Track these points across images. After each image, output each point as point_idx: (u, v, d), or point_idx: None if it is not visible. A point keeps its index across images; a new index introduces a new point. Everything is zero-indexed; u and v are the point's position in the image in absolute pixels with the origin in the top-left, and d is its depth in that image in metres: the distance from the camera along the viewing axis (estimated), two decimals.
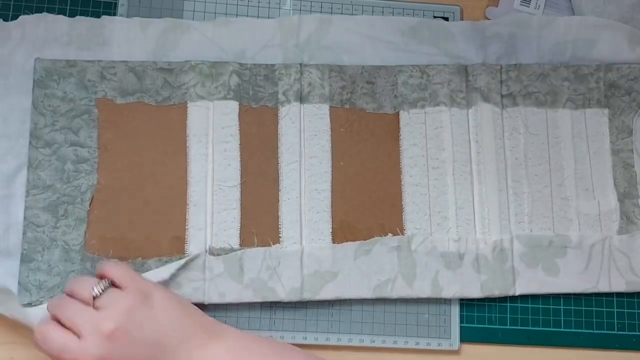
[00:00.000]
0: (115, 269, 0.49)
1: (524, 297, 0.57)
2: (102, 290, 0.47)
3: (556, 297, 0.58)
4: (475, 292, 0.56)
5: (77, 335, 0.45)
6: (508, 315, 0.57)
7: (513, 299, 0.57)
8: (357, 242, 0.56)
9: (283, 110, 0.58)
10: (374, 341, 0.56)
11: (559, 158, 0.59)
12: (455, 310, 0.57)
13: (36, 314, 0.50)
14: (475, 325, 0.57)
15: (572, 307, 0.58)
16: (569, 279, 0.57)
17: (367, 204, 0.57)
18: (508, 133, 0.59)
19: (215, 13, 0.60)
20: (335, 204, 0.57)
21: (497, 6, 0.62)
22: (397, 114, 0.59)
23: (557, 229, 0.58)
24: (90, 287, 0.47)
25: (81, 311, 0.46)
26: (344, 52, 0.59)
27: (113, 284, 0.48)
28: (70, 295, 0.48)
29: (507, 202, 0.58)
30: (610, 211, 0.59)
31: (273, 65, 0.58)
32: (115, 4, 0.59)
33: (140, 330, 0.46)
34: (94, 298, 0.46)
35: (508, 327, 0.57)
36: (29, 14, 0.57)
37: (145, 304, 0.47)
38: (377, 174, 0.58)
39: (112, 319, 0.45)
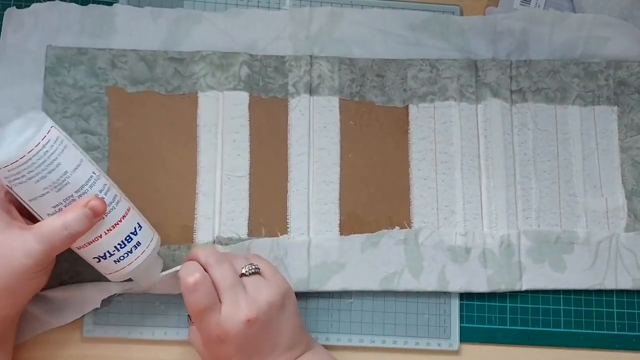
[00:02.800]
0: (262, 261, 0.50)
1: (524, 297, 0.57)
2: (250, 272, 0.48)
3: (556, 297, 0.58)
4: (481, 287, 0.56)
5: (219, 297, 0.47)
6: (508, 315, 0.57)
7: (513, 299, 0.57)
8: (365, 235, 0.56)
9: (293, 102, 0.58)
10: (374, 341, 0.56)
11: (567, 154, 0.59)
12: (455, 311, 0.57)
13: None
14: (475, 325, 0.57)
15: (572, 307, 0.58)
16: (576, 275, 0.57)
17: (375, 196, 0.57)
18: (517, 129, 0.59)
19: (215, 10, 0.60)
20: (343, 196, 0.57)
21: (497, 6, 0.62)
22: (407, 107, 0.59)
23: (565, 225, 0.58)
24: (241, 265, 0.49)
25: (234, 282, 0.47)
26: (354, 45, 0.60)
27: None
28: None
29: (515, 197, 0.58)
30: (617, 208, 0.59)
31: (283, 56, 0.58)
32: None
33: (270, 328, 0.48)
34: (241, 275, 0.48)
35: (508, 327, 0.57)
36: (41, 2, 0.58)
37: (281, 305, 0.48)
38: (385, 167, 0.58)
39: (255, 309, 0.47)
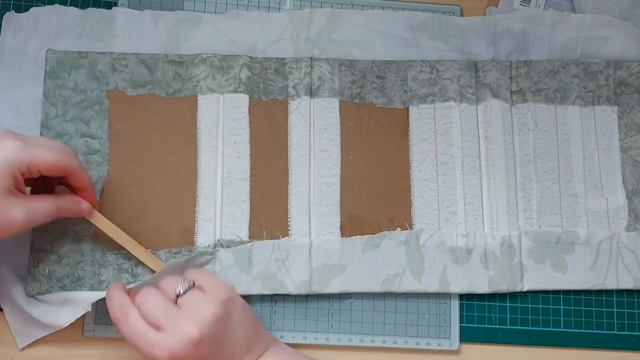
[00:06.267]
0: (198, 273, 0.50)
1: (524, 297, 0.57)
2: (186, 290, 0.48)
3: (556, 297, 0.58)
4: (483, 288, 0.56)
5: (157, 327, 0.46)
6: (508, 315, 0.57)
7: (513, 298, 0.57)
8: (366, 236, 0.56)
9: (293, 104, 0.58)
10: (374, 341, 0.56)
11: (568, 155, 0.59)
12: (455, 310, 0.57)
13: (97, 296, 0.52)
14: (475, 325, 0.57)
15: (572, 307, 0.58)
16: (577, 275, 0.57)
17: (376, 198, 0.57)
18: (517, 129, 0.59)
19: (215, 12, 0.60)
20: (344, 198, 0.57)
21: (497, 6, 0.62)
22: (407, 109, 0.59)
23: (566, 226, 0.58)
24: (175, 284, 0.48)
25: (165, 306, 0.47)
26: (354, 47, 0.60)
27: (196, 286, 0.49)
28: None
29: (516, 198, 0.58)
30: (618, 208, 0.59)
31: (283, 58, 0.58)
32: (116, 1, 0.59)
33: (219, 340, 0.47)
34: (177, 296, 0.48)
35: (508, 327, 0.57)
36: (40, 6, 0.58)
37: (226, 314, 0.48)
38: (386, 168, 0.58)
39: (197, 326, 0.46)
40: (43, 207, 0.48)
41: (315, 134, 0.58)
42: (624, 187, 0.59)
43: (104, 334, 0.54)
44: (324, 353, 0.56)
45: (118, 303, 0.48)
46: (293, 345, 0.55)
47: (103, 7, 0.59)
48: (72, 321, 0.52)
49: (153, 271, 0.54)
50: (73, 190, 0.50)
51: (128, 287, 0.51)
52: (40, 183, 0.50)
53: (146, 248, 0.54)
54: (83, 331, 0.54)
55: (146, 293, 0.48)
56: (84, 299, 0.52)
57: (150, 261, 0.53)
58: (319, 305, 0.56)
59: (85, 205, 0.50)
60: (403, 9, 0.61)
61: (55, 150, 0.47)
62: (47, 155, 0.47)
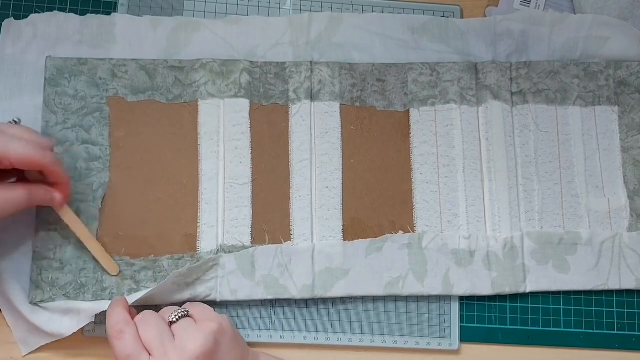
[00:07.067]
0: (192, 304, 0.51)
1: (524, 297, 0.57)
2: (178, 318, 0.49)
3: (556, 297, 0.58)
4: (486, 290, 0.56)
5: (149, 350, 0.46)
6: (508, 315, 0.57)
7: (513, 298, 0.57)
8: (368, 240, 0.56)
9: (294, 108, 0.58)
10: (373, 341, 0.56)
11: (569, 155, 0.59)
12: (455, 310, 0.57)
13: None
14: (475, 325, 0.57)
15: (572, 307, 0.58)
16: (580, 276, 0.57)
17: (378, 201, 0.57)
18: (518, 130, 0.59)
19: (215, 13, 0.60)
20: (346, 202, 0.57)
21: (497, 6, 0.62)
22: (408, 111, 0.59)
23: (568, 226, 0.58)
24: (169, 313, 0.49)
25: (161, 331, 0.47)
26: (354, 50, 0.60)
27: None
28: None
29: (518, 199, 0.58)
30: (620, 208, 0.59)
31: (284, 63, 0.58)
32: (115, 3, 0.59)
33: None
34: (171, 323, 0.48)
35: (508, 327, 0.57)
36: (39, 12, 0.58)
37: (215, 345, 0.47)
38: (387, 171, 0.58)
39: (184, 357, 0.46)
40: (14, 196, 0.48)
41: (316, 138, 0.58)
42: (626, 187, 0.59)
43: (104, 334, 0.53)
44: (324, 353, 0.56)
45: (116, 319, 0.48)
46: (293, 345, 0.56)
47: (102, 13, 0.59)
48: (74, 331, 0.52)
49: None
50: (49, 183, 0.51)
51: (130, 297, 0.52)
52: (17, 171, 0.50)
53: (148, 254, 0.54)
54: (83, 331, 0.54)
55: (147, 315, 0.49)
56: (87, 310, 0.52)
57: (107, 264, 0.53)
58: (319, 305, 0.56)
59: (57, 196, 0.51)
60: (403, 10, 0.61)
61: (30, 145, 0.47)
62: (19, 149, 0.47)
